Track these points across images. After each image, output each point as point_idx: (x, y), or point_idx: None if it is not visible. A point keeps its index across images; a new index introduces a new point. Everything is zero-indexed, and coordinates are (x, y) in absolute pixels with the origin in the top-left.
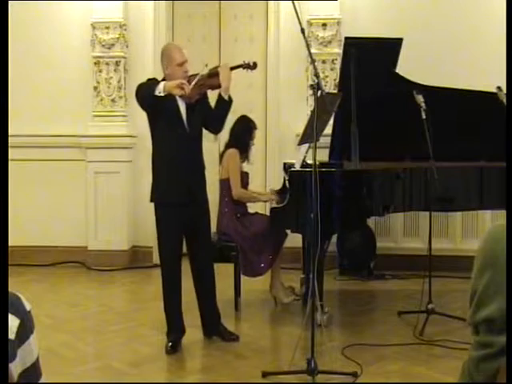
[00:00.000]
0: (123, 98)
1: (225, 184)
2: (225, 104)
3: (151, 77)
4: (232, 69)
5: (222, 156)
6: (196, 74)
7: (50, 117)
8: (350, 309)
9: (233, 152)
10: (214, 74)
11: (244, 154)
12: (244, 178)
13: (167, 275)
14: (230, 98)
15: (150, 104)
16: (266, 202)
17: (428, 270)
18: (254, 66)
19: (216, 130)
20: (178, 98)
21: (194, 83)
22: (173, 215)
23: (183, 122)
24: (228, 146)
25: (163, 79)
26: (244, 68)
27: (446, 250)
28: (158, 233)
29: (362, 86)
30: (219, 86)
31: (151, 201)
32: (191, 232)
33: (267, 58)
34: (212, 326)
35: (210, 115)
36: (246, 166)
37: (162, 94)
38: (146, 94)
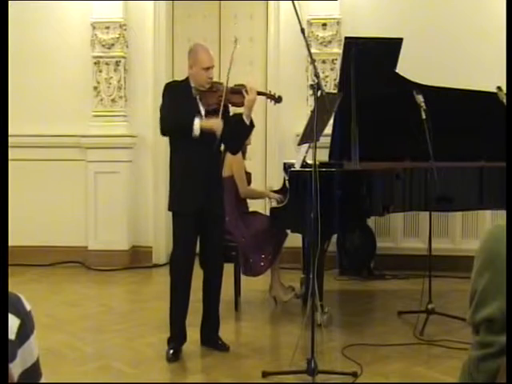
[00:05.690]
0: (123, 98)
1: (228, 182)
2: (245, 128)
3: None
4: (258, 94)
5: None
6: (219, 83)
7: (50, 117)
8: (350, 309)
9: None
10: (237, 91)
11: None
12: (247, 177)
13: (178, 282)
14: (251, 123)
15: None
16: (271, 198)
17: (428, 270)
18: (278, 100)
19: (232, 150)
20: (200, 105)
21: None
22: (189, 224)
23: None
24: None
25: (186, 78)
26: (268, 98)
27: (446, 250)
28: (174, 240)
29: (362, 86)
30: (240, 105)
31: (169, 209)
32: (203, 240)
33: (267, 58)
34: (208, 336)
35: (230, 135)
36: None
37: (197, 134)
38: (180, 130)
